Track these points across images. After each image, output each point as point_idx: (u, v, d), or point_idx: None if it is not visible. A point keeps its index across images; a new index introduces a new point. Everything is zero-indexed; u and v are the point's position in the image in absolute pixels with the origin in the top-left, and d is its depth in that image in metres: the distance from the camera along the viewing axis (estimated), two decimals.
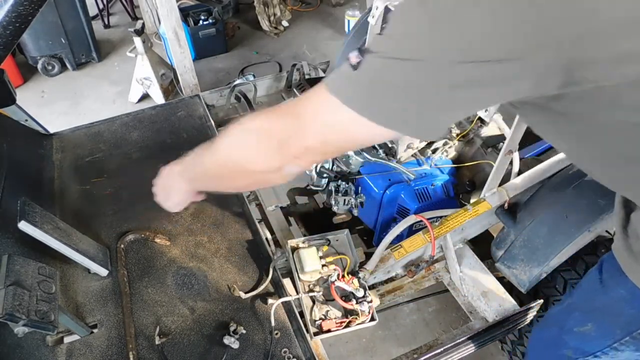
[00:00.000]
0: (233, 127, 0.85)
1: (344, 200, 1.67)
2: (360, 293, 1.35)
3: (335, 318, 1.34)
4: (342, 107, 0.67)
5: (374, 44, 0.66)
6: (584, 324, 1.08)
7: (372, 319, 1.34)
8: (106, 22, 4.66)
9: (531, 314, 1.47)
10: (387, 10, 1.55)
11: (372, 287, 1.51)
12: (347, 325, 1.32)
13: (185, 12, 3.99)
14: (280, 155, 0.77)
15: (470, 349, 1.42)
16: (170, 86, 3.66)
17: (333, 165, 1.74)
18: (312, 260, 1.41)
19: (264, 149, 0.79)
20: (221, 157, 0.89)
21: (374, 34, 0.71)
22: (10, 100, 1.61)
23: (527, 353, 1.35)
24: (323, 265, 1.42)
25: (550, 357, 1.22)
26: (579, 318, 1.10)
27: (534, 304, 1.44)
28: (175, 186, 1.10)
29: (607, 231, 1.46)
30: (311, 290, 1.38)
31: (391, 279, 1.55)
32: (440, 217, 1.55)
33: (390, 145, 1.82)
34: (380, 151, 1.80)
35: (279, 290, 1.39)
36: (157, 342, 1.24)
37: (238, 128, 0.84)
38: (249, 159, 0.82)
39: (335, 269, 1.41)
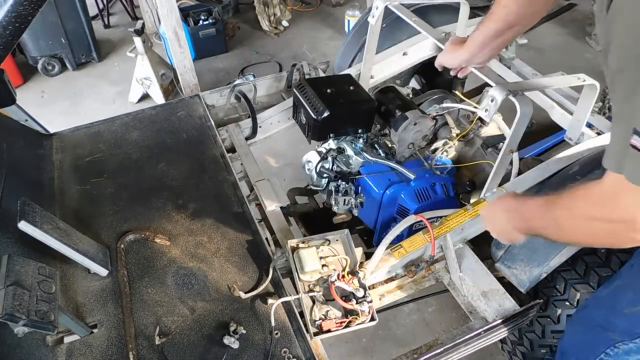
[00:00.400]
0: (577, 214, 0.91)
1: (344, 200, 1.67)
2: (360, 293, 1.35)
3: (335, 318, 1.34)
4: None
5: None
6: (636, 304, 1.09)
7: (372, 319, 1.34)
8: (106, 22, 4.66)
9: (531, 314, 1.47)
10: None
11: (372, 287, 1.51)
12: (347, 326, 1.32)
13: (185, 12, 3.99)
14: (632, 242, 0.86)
15: (470, 349, 1.42)
16: (170, 86, 3.66)
17: (333, 165, 1.74)
18: (312, 260, 1.41)
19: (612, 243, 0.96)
20: (568, 236, 1.00)
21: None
22: (10, 100, 1.61)
23: (564, 337, 1.35)
24: (323, 265, 1.42)
25: (592, 339, 1.22)
26: (631, 298, 1.11)
27: (534, 304, 1.44)
28: (501, 221, 1.18)
29: None
30: (311, 290, 1.38)
31: (391, 279, 1.55)
32: (440, 217, 1.55)
33: (390, 145, 1.82)
34: (380, 151, 1.80)
35: (279, 290, 1.39)
36: (157, 342, 1.24)
37: (584, 228, 0.92)
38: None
39: (335, 269, 1.41)
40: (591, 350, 1.21)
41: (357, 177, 1.72)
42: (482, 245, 1.62)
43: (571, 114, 1.78)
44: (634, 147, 0.68)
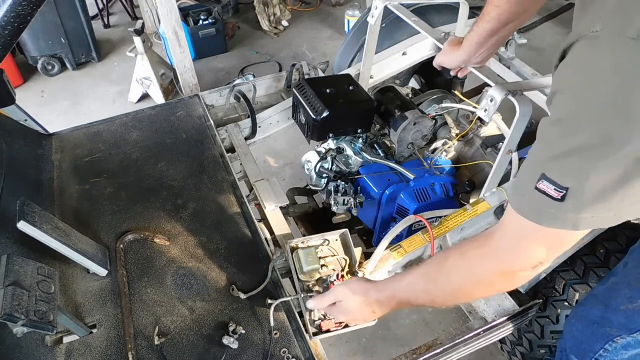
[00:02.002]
0: (475, 275, 0.97)
1: (344, 200, 1.67)
2: None
3: (334, 318, 1.34)
4: (576, 233, 0.79)
5: (561, 168, 0.74)
6: (633, 301, 1.12)
7: None
8: (106, 22, 4.66)
9: (530, 315, 1.47)
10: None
11: None
12: (347, 326, 1.32)
13: (185, 12, 3.99)
14: (519, 280, 0.93)
15: (469, 349, 1.42)
16: (170, 86, 3.66)
17: (333, 165, 1.74)
18: (311, 261, 1.41)
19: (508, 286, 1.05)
20: (464, 298, 1.13)
21: (541, 157, 0.80)
22: (10, 100, 1.61)
23: (563, 336, 1.36)
24: (322, 266, 1.42)
25: (591, 336, 1.23)
26: (628, 295, 1.13)
27: (533, 304, 1.44)
28: (367, 311, 1.19)
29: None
30: (310, 291, 1.38)
31: None
32: (440, 217, 1.55)
33: (390, 145, 1.82)
34: (380, 151, 1.80)
35: (279, 291, 1.39)
36: (156, 343, 1.24)
37: (483, 285, 0.98)
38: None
39: (334, 269, 1.41)
40: (590, 346, 1.22)
41: (356, 177, 1.72)
42: None
43: None
44: (541, 190, 0.75)
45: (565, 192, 0.73)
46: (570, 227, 0.76)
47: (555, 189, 0.74)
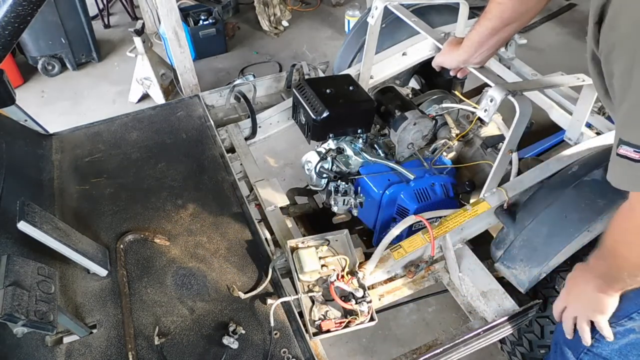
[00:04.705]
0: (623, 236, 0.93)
1: (344, 200, 1.67)
2: (359, 293, 1.35)
3: (334, 318, 1.34)
4: None
5: (634, 126, 0.72)
6: None
7: (372, 319, 1.34)
8: (106, 22, 4.66)
9: (530, 314, 1.47)
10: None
11: (371, 288, 1.51)
12: (347, 326, 1.32)
13: (185, 12, 3.99)
14: None
15: (469, 349, 1.42)
16: (170, 86, 3.66)
17: (332, 165, 1.74)
18: (311, 261, 1.41)
19: None
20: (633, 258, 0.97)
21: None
22: (10, 100, 1.61)
23: (557, 328, 1.36)
24: (322, 266, 1.42)
25: None
26: None
27: (533, 304, 1.44)
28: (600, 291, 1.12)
29: None
30: (310, 291, 1.38)
31: (391, 279, 1.55)
32: (440, 217, 1.55)
33: (390, 145, 1.82)
34: (380, 151, 1.80)
35: (278, 291, 1.39)
36: (156, 343, 1.24)
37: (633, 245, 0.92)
38: None
39: (334, 269, 1.41)
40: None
41: (356, 177, 1.72)
42: (482, 245, 1.62)
43: (570, 114, 1.78)
44: (621, 155, 0.74)
45: None
46: None
47: (634, 151, 0.71)
